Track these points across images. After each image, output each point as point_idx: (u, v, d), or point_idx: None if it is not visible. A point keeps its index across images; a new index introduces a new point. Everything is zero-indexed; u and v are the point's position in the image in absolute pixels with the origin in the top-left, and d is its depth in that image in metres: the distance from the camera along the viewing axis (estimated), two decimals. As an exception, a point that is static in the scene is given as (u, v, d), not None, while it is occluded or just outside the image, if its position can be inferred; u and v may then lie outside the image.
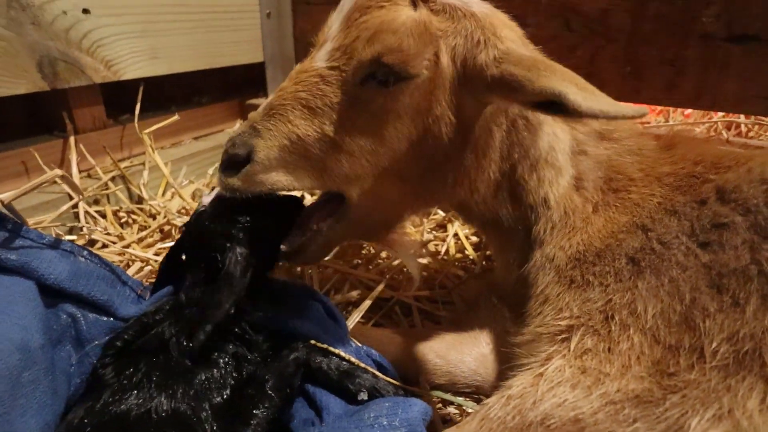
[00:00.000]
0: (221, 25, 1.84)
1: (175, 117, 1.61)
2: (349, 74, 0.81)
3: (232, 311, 0.86)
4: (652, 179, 0.94)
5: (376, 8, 0.80)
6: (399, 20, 0.78)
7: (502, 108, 0.91)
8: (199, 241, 0.93)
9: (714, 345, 0.67)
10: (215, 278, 0.89)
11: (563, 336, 0.79)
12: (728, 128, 1.88)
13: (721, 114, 1.83)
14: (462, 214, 1.14)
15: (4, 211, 0.88)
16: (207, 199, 0.99)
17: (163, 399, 0.78)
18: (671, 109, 2.00)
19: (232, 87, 2.14)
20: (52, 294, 0.92)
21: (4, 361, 0.72)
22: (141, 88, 1.62)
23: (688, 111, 1.99)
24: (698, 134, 1.72)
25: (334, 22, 0.85)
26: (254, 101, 2.09)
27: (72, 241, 1.06)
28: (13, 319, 0.79)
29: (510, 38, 0.82)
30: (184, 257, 1.00)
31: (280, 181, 0.87)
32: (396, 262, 1.40)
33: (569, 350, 0.76)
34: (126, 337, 0.87)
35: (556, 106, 0.71)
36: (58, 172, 0.91)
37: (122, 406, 0.76)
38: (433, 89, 0.83)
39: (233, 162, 0.85)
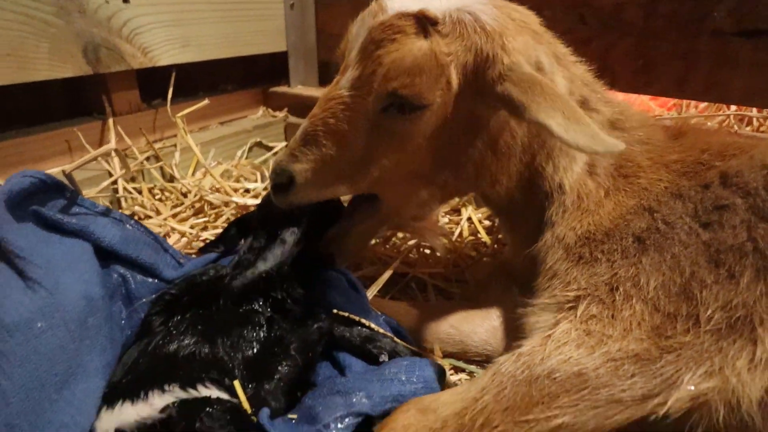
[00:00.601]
0: (247, 16, 1.92)
1: (205, 101, 1.69)
2: (370, 103, 0.90)
3: (274, 272, 0.96)
4: (660, 166, 1.00)
5: (388, 41, 0.86)
6: (410, 58, 0.84)
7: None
8: (269, 216, 1.07)
9: (709, 312, 0.74)
10: (271, 246, 1.00)
11: (570, 305, 0.86)
12: (741, 121, 1.92)
13: (734, 108, 1.87)
14: (481, 199, 1.21)
15: (65, 180, 0.97)
16: None
17: (206, 346, 0.88)
18: (684, 103, 2.04)
19: (256, 75, 2.23)
20: (104, 256, 1.01)
21: (74, 306, 0.81)
22: (173, 74, 1.71)
23: (702, 105, 2.02)
24: (709, 127, 1.76)
25: (353, 47, 0.91)
26: (276, 89, 2.17)
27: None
28: (77, 273, 0.88)
29: (518, 48, 0.87)
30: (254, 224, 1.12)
31: (318, 196, 1.01)
32: (412, 242, 1.48)
33: (575, 316, 0.83)
34: (174, 292, 0.97)
35: None
36: (113, 146, 1.00)
37: (171, 348, 0.86)
38: (448, 107, 0.91)
39: (280, 186, 0.98)
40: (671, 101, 2.06)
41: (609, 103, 1.07)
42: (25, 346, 0.76)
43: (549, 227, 1.04)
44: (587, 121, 0.78)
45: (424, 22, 0.85)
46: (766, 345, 0.69)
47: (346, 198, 1.20)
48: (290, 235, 1.02)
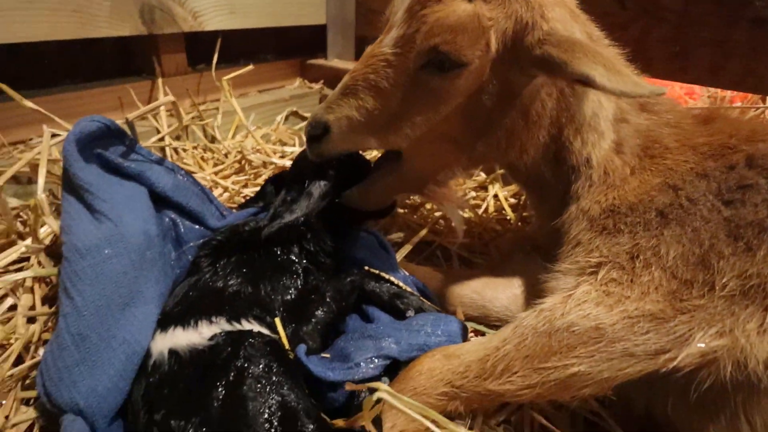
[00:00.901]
0: (290, -13, 1.98)
1: (250, 67, 1.76)
2: (411, 60, 0.94)
3: (299, 221, 1.04)
4: (687, 148, 1.03)
5: (434, 2, 0.89)
6: (453, 17, 0.88)
7: (549, 81, 1.01)
8: (300, 172, 1.14)
9: (725, 280, 0.79)
10: (298, 199, 1.07)
11: (592, 269, 0.92)
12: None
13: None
14: (509, 172, 1.26)
15: (126, 128, 1.05)
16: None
17: (249, 287, 0.96)
18: (719, 93, 2.04)
19: (295, 47, 2.28)
20: (157, 201, 1.09)
21: (135, 239, 0.90)
22: (219, 40, 1.78)
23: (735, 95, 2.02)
24: (740, 116, 1.76)
25: (399, 9, 0.97)
26: (314, 61, 2.22)
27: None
28: (136, 212, 0.97)
29: (556, 18, 0.91)
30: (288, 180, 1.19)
31: (350, 146, 1.05)
32: (438, 214, 1.54)
33: (596, 279, 0.88)
34: (220, 238, 1.05)
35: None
36: (171, 98, 1.07)
37: (219, 284, 0.94)
38: (485, 71, 0.94)
39: (315, 137, 1.03)
40: (704, 94, 2.06)
41: None
42: (95, 268, 0.85)
43: (575, 200, 1.08)
44: (627, 71, 0.81)
45: None
46: (777, 311, 0.74)
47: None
48: (316, 189, 1.08)
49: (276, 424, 0.71)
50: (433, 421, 0.70)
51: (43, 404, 0.79)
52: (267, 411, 0.72)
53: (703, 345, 0.75)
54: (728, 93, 2.01)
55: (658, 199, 0.96)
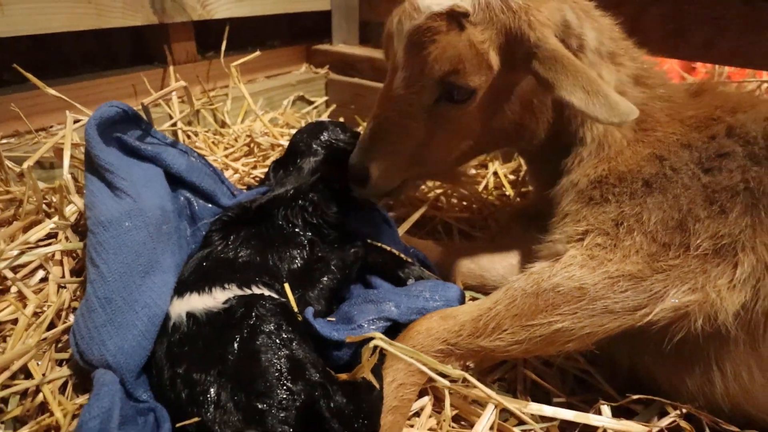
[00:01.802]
0: (294, -26, 2.03)
1: (257, 53, 1.83)
2: (424, 97, 1.03)
3: (289, 194, 1.12)
4: (676, 121, 1.08)
5: (429, 43, 0.95)
6: (451, 51, 0.94)
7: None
8: (292, 150, 1.22)
9: (699, 241, 0.84)
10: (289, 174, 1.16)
11: (579, 237, 0.98)
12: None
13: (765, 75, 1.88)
14: (516, 149, 1.32)
15: (141, 113, 1.12)
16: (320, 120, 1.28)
17: (258, 257, 1.03)
18: (716, 72, 2.06)
19: (301, 33, 2.34)
20: (172, 182, 1.17)
21: (153, 213, 0.98)
22: (227, 28, 1.84)
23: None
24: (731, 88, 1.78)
25: (398, 49, 1.03)
26: (319, 47, 2.28)
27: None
28: (152, 190, 1.05)
29: (542, 20, 0.95)
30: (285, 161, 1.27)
31: (390, 183, 1.16)
32: (439, 191, 1.60)
33: (582, 245, 0.95)
34: (230, 214, 1.13)
35: None
36: (183, 83, 1.14)
37: (230, 254, 1.02)
38: (493, 90, 1.03)
39: (359, 182, 1.15)
40: (702, 70, 2.08)
41: (635, 59, 1.14)
42: (117, 239, 0.93)
43: (566, 174, 1.14)
44: (606, 91, 0.88)
45: (457, 17, 0.94)
46: (746, 267, 0.80)
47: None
48: (306, 164, 1.17)
49: (285, 373, 0.78)
50: (426, 365, 0.77)
51: (76, 362, 0.87)
52: (277, 362, 0.80)
53: (676, 300, 0.81)
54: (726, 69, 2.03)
55: (646, 169, 1.01)
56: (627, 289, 0.84)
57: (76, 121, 1.17)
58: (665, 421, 0.87)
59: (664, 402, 0.90)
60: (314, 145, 1.21)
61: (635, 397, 0.88)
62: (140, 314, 0.90)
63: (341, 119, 2.09)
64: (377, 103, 1.11)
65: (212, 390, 0.77)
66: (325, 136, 1.23)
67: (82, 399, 0.87)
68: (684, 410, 0.87)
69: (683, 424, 0.85)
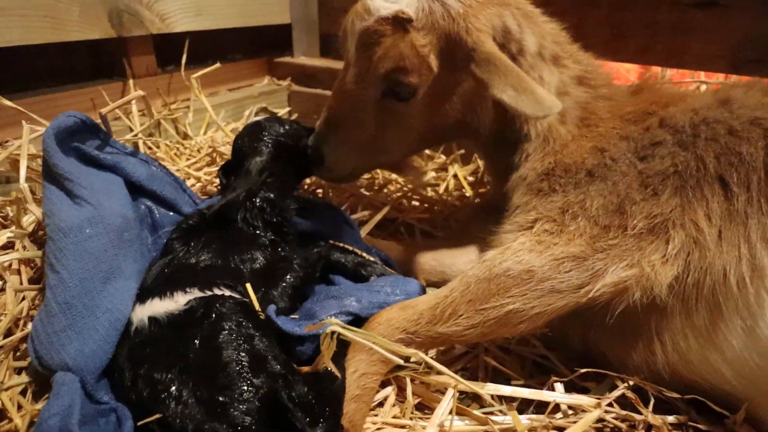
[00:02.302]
0: (254, -12, 2.07)
1: (217, 65, 1.85)
2: (371, 93, 1.12)
3: (241, 197, 1.14)
4: (617, 117, 1.15)
5: (375, 44, 1.05)
6: (394, 51, 1.04)
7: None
8: (237, 153, 1.24)
9: (635, 221, 0.91)
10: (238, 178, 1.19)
11: (529, 225, 1.03)
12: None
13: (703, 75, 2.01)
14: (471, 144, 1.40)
15: (100, 123, 1.13)
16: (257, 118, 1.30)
17: (219, 259, 1.05)
18: (661, 74, 2.18)
19: (262, 46, 2.38)
20: (132, 191, 1.18)
21: (113, 220, 0.99)
22: (187, 41, 1.86)
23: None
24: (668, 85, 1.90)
25: (350, 47, 1.12)
26: (281, 59, 2.32)
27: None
28: (114, 198, 1.05)
29: (480, 27, 1.05)
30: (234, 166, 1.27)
31: (346, 169, 1.26)
32: (399, 194, 1.64)
33: (531, 232, 1.00)
34: (191, 221, 1.14)
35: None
36: (141, 93, 1.16)
37: (192, 260, 1.03)
38: (435, 86, 1.10)
39: (316, 163, 1.25)
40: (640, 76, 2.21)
41: (579, 61, 1.22)
42: (77, 246, 0.93)
43: (515, 170, 1.20)
44: (533, 87, 0.98)
45: (402, 22, 1.03)
46: (676, 243, 0.86)
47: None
48: (253, 166, 1.19)
49: (247, 367, 0.80)
50: (382, 346, 0.80)
51: (35, 368, 0.86)
52: (238, 357, 0.81)
53: (615, 276, 0.86)
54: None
55: (588, 160, 1.07)
56: (571, 269, 0.89)
57: (32, 132, 1.17)
58: (615, 394, 0.92)
59: (613, 375, 0.95)
60: (257, 145, 1.23)
61: (583, 371, 0.93)
62: (101, 319, 0.90)
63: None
64: (332, 95, 1.21)
65: (173, 387, 0.78)
66: (265, 134, 1.25)
67: (41, 404, 0.86)
68: (631, 382, 0.92)
69: (630, 395, 0.90)
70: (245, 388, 0.77)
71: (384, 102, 1.13)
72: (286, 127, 1.29)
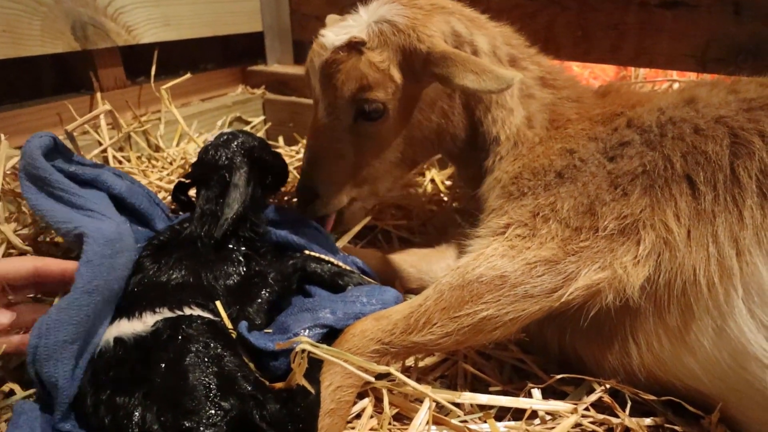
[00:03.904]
0: (223, -3, 2.05)
1: (188, 75, 1.82)
2: (343, 120, 1.15)
3: (241, 211, 1.11)
4: (585, 119, 1.16)
5: (335, 72, 1.09)
6: (354, 73, 1.07)
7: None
8: (207, 167, 1.19)
9: (606, 222, 0.91)
10: (225, 191, 1.14)
11: (501, 230, 1.02)
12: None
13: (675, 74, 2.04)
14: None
15: (66, 139, 1.10)
16: (211, 137, 1.25)
17: (191, 277, 1.02)
18: (632, 76, 2.21)
19: (235, 55, 2.35)
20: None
21: (128, 239, 0.99)
22: (156, 51, 1.83)
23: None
24: (635, 88, 1.92)
25: (315, 84, 1.16)
26: (254, 68, 2.29)
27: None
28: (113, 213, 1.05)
29: (429, 33, 1.07)
30: (196, 181, 1.23)
31: (337, 205, 1.26)
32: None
33: (504, 237, 0.99)
34: (162, 238, 1.11)
35: None
36: (108, 107, 1.13)
37: (163, 278, 1.00)
38: (403, 102, 1.13)
39: (307, 202, 1.26)
40: (616, 74, 2.23)
41: (539, 63, 1.23)
42: (110, 260, 0.91)
43: (489, 173, 1.20)
44: (490, 67, 0.99)
45: (356, 45, 1.08)
46: (647, 243, 0.86)
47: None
48: (239, 178, 1.15)
49: (215, 389, 0.77)
50: (352, 364, 0.78)
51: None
52: (206, 379, 0.79)
53: (588, 279, 0.86)
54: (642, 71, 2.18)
55: (557, 162, 1.08)
56: (544, 273, 0.88)
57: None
58: (592, 398, 0.92)
59: (590, 380, 0.95)
60: (236, 158, 1.20)
61: (560, 376, 0.92)
62: (92, 345, 0.87)
63: (280, 138, 2.11)
64: (308, 134, 1.23)
65: (137, 413, 0.75)
66: (239, 147, 1.21)
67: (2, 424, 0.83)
68: (608, 386, 0.92)
69: (607, 398, 0.90)
70: (212, 411, 0.75)
71: (357, 127, 1.15)
72: (256, 141, 1.27)
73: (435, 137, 1.23)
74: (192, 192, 1.29)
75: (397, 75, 1.08)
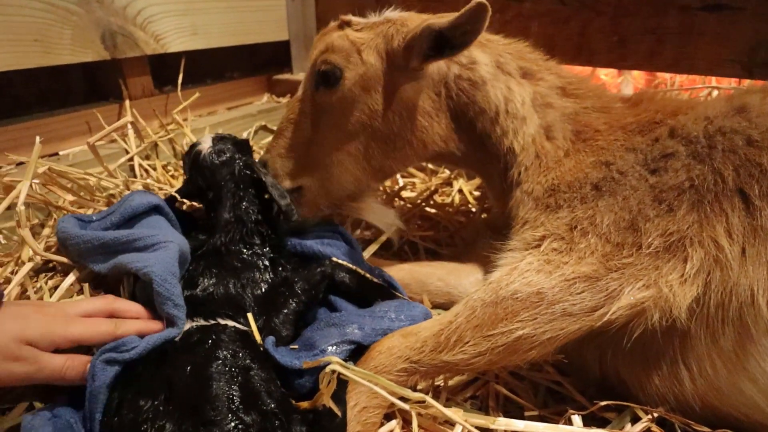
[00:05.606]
0: (251, 6, 2.05)
1: (214, 85, 1.83)
2: (309, 89, 1.15)
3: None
4: (617, 128, 1.09)
5: (317, 42, 1.15)
6: (326, 42, 1.11)
7: (434, 78, 1.12)
8: (215, 174, 1.18)
9: (650, 239, 0.85)
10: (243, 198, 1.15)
11: (536, 243, 0.97)
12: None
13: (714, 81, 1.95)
14: (447, 164, 1.42)
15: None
16: (206, 140, 1.24)
17: (220, 287, 1.00)
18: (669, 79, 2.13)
19: (261, 63, 2.36)
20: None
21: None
22: (183, 61, 1.84)
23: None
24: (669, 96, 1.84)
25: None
26: (280, 77, 2.29)
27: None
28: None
29: (416, 22, 1.04)
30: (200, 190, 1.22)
31: (284, 180, 1.21)
32: (404, 212, 1.59)
33: (539, 251, 0.94)
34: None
35: (443, 45, 1.01)
36: (129, 118, 1.13)
37: (195, 291, 0.98)
38: (369, 81, 1.10)
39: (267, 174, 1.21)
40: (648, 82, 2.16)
41: (557, 73, 1.17)
42: None
43: (517, 185, 1.14)
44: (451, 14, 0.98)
45: (343, 23, 1.14)
46: (695, 261, 0.80)
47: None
48: (270, 179, 1.19)
49: (237, 402, 0.75)
50: (384, 388, 0.75)
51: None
52: (229, 390, 0.77)
53: (632, 298, 0.81)
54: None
55: (592, 174, 1.02)
56: (583, 290, 0.83)
57: (20, 164, 1.13)
58: (638, 427, 0.86)
59: (636, 407, 0.89)
60: (250, 163, 1.20)
61: (603, 403, 0.86)
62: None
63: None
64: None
65: (157, 417, 0.73)
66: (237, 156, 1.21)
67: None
68: (655, 414, 0.86)
69: (655, 429, 0.84)
70: (233, 425, 0.72)
71: (318, 97, 1.14)
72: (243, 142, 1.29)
73: (412, 139, 1.16)
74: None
75: (372, 58, 1.08)
